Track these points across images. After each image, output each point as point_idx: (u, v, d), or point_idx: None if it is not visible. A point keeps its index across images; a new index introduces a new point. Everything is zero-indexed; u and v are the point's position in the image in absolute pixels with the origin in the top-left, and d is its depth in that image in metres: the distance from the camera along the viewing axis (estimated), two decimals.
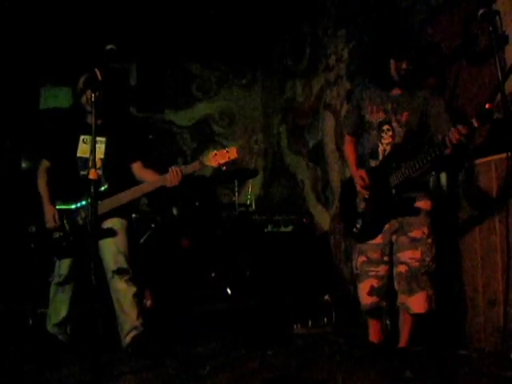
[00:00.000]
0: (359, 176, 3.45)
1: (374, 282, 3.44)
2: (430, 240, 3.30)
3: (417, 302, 3.27)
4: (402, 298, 3.35)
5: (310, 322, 4.31)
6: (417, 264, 3.27)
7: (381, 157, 3.44)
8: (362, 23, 5.17)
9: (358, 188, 3.48)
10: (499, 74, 2.70)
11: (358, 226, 3.51)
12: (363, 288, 3.50)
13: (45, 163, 3.78)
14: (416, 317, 3.33)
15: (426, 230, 3.30)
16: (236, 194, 6.03)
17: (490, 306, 3.39)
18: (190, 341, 3.96)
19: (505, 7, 3.30)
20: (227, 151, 3.52)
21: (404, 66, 3.27)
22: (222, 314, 4.63)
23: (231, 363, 3.35)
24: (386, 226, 3.40)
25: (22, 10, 5.86)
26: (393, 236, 3.40)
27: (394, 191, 3.31)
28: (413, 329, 3.36)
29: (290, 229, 5.55)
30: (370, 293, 3.46)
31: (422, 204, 3.34)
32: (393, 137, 3.38)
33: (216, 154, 3.50)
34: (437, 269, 3.32)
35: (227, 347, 3.83)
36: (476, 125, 2.81)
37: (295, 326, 4.30)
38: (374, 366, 3.22)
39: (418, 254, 3.27)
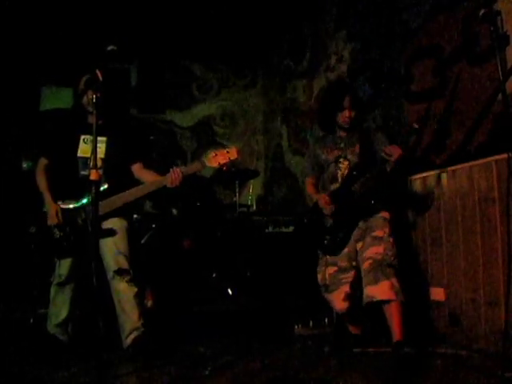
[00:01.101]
0: (320, 196, 3.82)
1: (347, 288, 3.69)
2: (391, 239, 3.54)
3: (381, 290, 3.39)
4: (367, 290, 3.47)
5: (311, 323, 4.30)
6: (380, 257, 3.48)
7: (340, 179, 3.80)
8: (363, 23, 5.17)
9: (322, 205, 3.77)
10: (500, 74, 2.70)
11: (326, 240, 3.78)
12: (337, 295, 3.73)
13: (43, 161, 3.77)
14: (393, 306, 3.38)
15: (386, 230, 3.57)
16: (237, 194, 6.03)
17: (491, 307, 3.40)
18: (191, 341, 3.96)
19: (506, 7, 3.30)
20: (227, 151, 3.52)
21: (346, 114, 3.75)
22: (223, 315, 4.64)
23: (232, 364, 3.36)
24: (352, 236, 3.70)
25: (23, 10, 5.87)
26: (358, 244, 3.66)
27: (355, 197, 3.65)
28: (401, 320, 3.37)
29: (290, 229, 5.55)
30: (345, 298, 3.69)
31: (382, 214, 3.65)
32: (349, 165, 3.78)
33: (216, 155, 3.50)
34: (399, 265, 3.49)
35: (228, 348, 3.84)
36: (416, 127, 3.46)
37: (296, 327, 4.30)
38: (375, 367, 3.23)
39: (380, 249, 3.50)
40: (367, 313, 3.68)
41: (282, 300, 4.85)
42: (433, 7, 4.12)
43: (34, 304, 4.31)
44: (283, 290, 5.00)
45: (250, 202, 6.58)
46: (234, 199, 6.05)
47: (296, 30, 6.84)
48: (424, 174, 4.05)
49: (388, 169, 3.56)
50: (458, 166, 3.73)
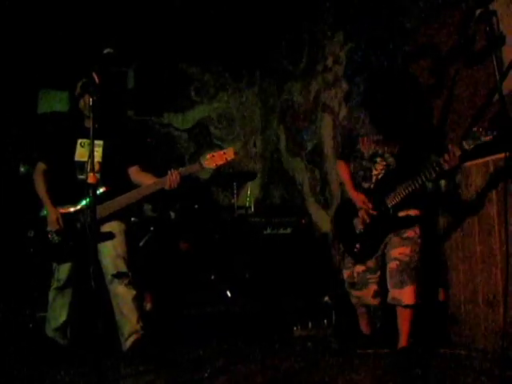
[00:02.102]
0: (361, 201, 3.59)
1: (375, 287, 3.65)
2: (419, 241, 3.45)
3: (407, 294, 3.37)
4: (393, 293, 3.44)
5: (310, 324, 4.30)
6: (407, 259, 3.41)
7: (374, 180, 3.61)
8: (360, 25, 5.18)
9: (361, 212, 3.60)
10: (497, 74, 2.71)
11: (357, 247, 3.67)
12: (367, 293, 3.68)
13: (41, 166, 3.77)
14: (409, 311, 3.38)
15: (417, 231, 3.46)
16: (235, 196, 6.03)
17: (490, 306, 3.40)
18: (190, 344, 3.96)
19: (502, 7, 3.31)
20: (224, 152, 3.53)
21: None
22: (221, 317, 4.63)
23: (231, 366, 3.36)
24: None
25: (20, 13, 5.86)
26: (386, 243, 3.56)
27: (391, 211, 3.48)
28: (411, 327, 3.39)
29: (288, 231, 5.55)
30: (374, 296, 3.66)
31: (413, 213, 3.50)
32: (386, 165, 3.57)
33: (213, 156, 3.51)
34: (421, 269, 3.44)
35: (227, 350, 3.84)
36: (467, 147, 3.06)
37: (295, 328, 4.30)
38: (374, 368, 3.23)
39: (407, 251, 3.42)
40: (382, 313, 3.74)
41: (280, 301, 4.85)
42: (429, 8, 4.12)
43: (32, 308, 4.29)
44: (282, 291, 4.99)
45: (247, 204, 6.58)
46: (232, 201, 6.06)
47: (293, 32, 6.84)
48: None
49: (432, 175, 3.24)
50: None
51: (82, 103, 3.65)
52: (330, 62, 5.89)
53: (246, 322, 4.48)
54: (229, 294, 5.18)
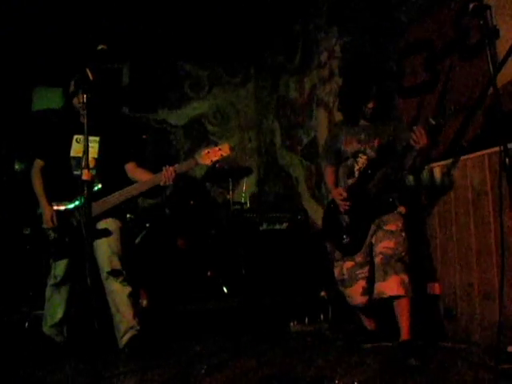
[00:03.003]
0: (337, 192, 3.76)
1: (364, 283, 3.66)
2: (403, 234, 3.51)
3: (389, 286, 3.39)
4: (377, 287, 3.48)
5: (306, 319, 4.31)
6: (390, 252, 3.45)
7: (356, 174, 3.71)
8: (354, 19, 5.17)
9: (338, 202, 3.74)
10: (491, 67, 2.71)
11: (345, 240, 3.74)
12: (355, 290, 3.70)
13: (39, 163, 3.78)
14: (402, 303, 3.38)
15: (399, 224, 3.53)
16: (230, 192, 6.02)
17: (486, 300, 3.41)
18: (186, 340, 3.97)
19: (496, 1, 3.31)
20: (220, 148, 3.51)
21: (370, 105, 3.65)
22: (218, 313, 4.63)
23: (228, 362, 3.36)
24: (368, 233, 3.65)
25: (14, 11, 5.84)
26: (372, 238, 3.62)
27: (371, 195, 3.61)
28: (409, 319, 3.37)
29: (284, 226, 5.55)
30: (362, 293, 3.66)
31: (398, 208, 3.61)
32: (367, 160, 3.68)
33: (209, 152, 3.50)
34: (410, 261, 3.47)
35: (224, 346, 3.84)
36: (433, 123, 3.19)
37: (292, 323, 4.31)
38: (371, 362, 3.23)
39: (391, 244, 3.47)
40: (383, 308, 3.66)
41: (277, 297, 4.85)
42: (424, 2, 4.12)
43: (29, 305, 4.29)
44: (278, 287, 4.99)
45: (243, 200, 6.57)
46: (228, 197, 6.05)
47: (288, 27, 6.83)
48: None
49: (409, 161, 3.52)
50: (451, 160, 3.74)
51: (75, 100, 3.64)
52: (324, 57, 5.88)
53: (243, 317, 4.49)
54: (225, 289, 5.18)
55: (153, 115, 7.69)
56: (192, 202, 5.86)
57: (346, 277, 3.73)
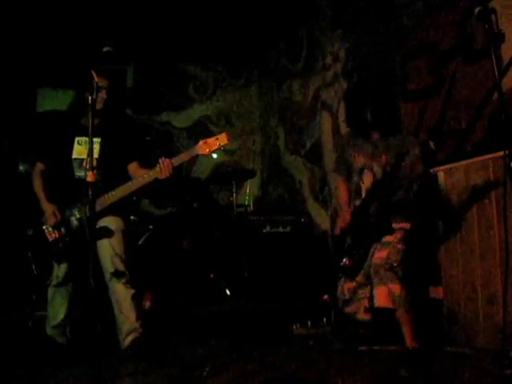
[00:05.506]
0: (342, 219, 3.79)
1: (366, 303, 3.64)
2: (399, 245, 3.49)
3: (377, 296, 3.41)
4: (373, 295, 3.49)
5: (309, 322, 4.30)
6: (380, 261, 3.46)
7: (363, 195, 3.70)
8: (358, 22, 5.17)
9: (339, 223, 3.81)
10: (496, 71, 2.70)
11: (343, 263, 3.73)
12: (358, 309, 3.69)
13: (39, 166, 3.78)
14: (400, 313, 3.39)
15: (398, 236, 3.52)
16: (234, 194, 6.03)
17: (490, 304, 3.40)
18: (189, 342, 3.96)
19: (501, 5, 3.31)
20: (217, 138, 3.46)
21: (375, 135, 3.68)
22: (221, 315, 4.63)
23: (231, 364, 3.35)
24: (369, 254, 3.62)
25: (19, 12, 5.85)
26: (372, 258, 3.59)
27: (372, 220, 3.59)
28: (411, 328, 3.38)
29: (288, 229, 5.55)
30: (366, 311, 3.65)
31: (398, 226, 3.58)
32: (373, 178, 3.64)
33: (206, 142, 3.46)
34: (404, 272, 3.44)
35: (226, 348, 3.83)
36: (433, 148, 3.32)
37: (294, 327, 4.29)
38: (373, 366, 3.22)
39: (384, 254, 3.47)
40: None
41: (279, 300, 4.85)
42: (428, 6, 4.12)
43: (32, 306, 4.29)
44: (281, 289, 4.99)
45: (247, 202, 6.59)
46: (231, 199, 6.06)
47: (292, 30, 6.84)
48: None
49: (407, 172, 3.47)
50: (455, 164, 3.73)
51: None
52: (329, 60, 5.88)
53: (245, 320, 4.48)
54: (228, 292, 5.18)
55: (157, 117, 7.71)
56: (195, 205, 5.86)
57: (347, 297, 3.73)
